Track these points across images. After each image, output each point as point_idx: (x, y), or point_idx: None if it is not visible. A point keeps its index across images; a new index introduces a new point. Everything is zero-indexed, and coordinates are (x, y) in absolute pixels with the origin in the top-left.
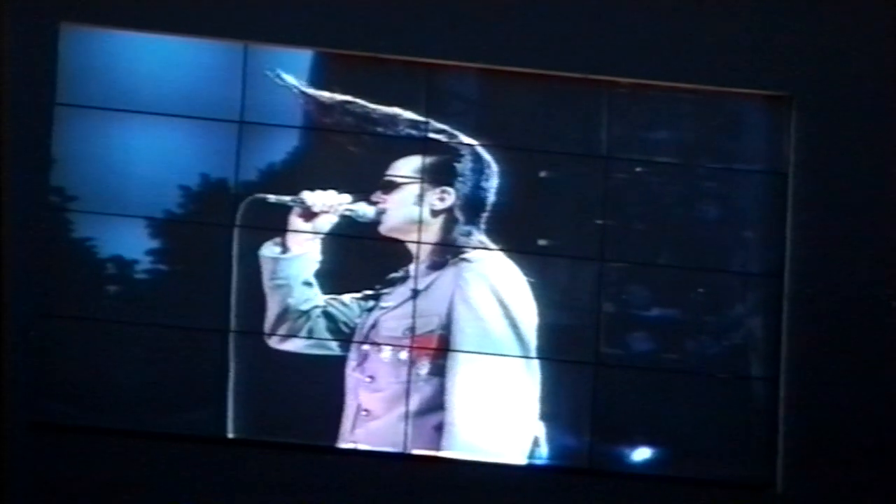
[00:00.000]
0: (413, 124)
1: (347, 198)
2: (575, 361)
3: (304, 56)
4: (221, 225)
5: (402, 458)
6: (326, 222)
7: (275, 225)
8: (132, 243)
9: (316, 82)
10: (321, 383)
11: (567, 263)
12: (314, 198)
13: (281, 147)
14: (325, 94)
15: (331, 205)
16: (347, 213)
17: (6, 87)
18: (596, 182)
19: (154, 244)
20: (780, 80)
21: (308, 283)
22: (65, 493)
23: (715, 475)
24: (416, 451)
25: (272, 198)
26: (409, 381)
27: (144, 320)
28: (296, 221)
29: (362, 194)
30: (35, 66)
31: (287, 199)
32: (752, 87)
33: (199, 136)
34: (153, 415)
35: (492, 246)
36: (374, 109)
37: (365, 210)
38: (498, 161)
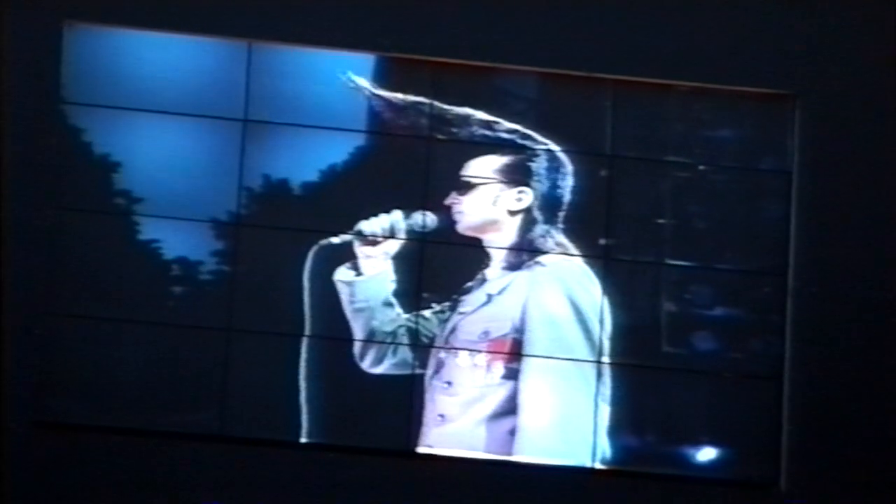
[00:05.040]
0: (485, 125)
1: (399, 215)
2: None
3: (366, 57)
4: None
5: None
6: (392, 245)
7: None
8: (144, 242)
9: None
10: (397, 390)
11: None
12: (371, 226)
13: (342, 151)
14: (399, 96)
15: (389, 227)
16: (410, 226)
17: (10, 86)
18: (598, 179)
19: (163, 245)
20: (784, 78)
21: (389, 304)
22: (69, 491)
23: (719, 474)
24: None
25: (336, 240)
26: (485, 386)
27: (152, 320)
28: (364, 250)
29: (430, 196)
30: (39, 64)
31: (349, 236)
32: (755, 86)
33: (203, 136)
34: (167, 414)
35: (569, 246)
36: (446, 110)
37: (424, 220)
38: (572, 162)
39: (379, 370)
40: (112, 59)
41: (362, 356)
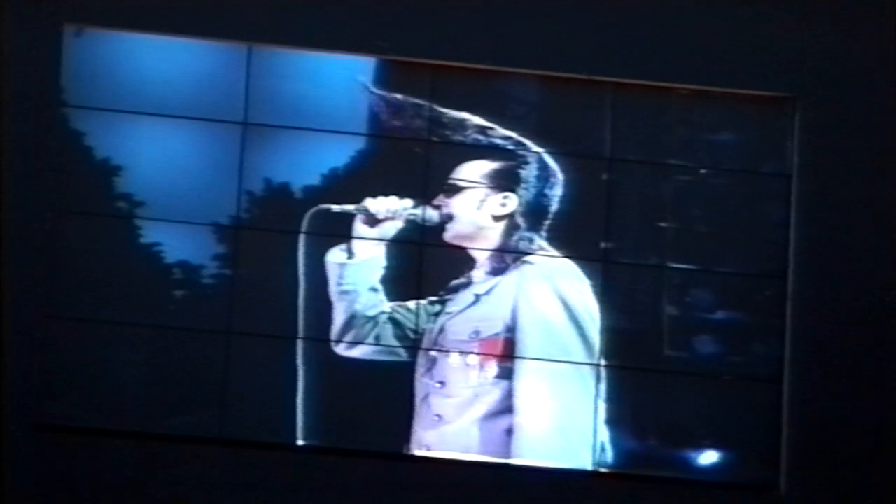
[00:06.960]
0: (480, 129)
1: (410, 202)
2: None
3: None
4: (287, 231)
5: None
6: (391, 228)
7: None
8: (144, 245)
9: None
10: (389, 389)
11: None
12: (377, 204)
13: (343, 152)
14: (398, 97)
15: (395, 210)
16: (412, 217)
17: (10, 89)
18: (598, 182)
19: (163, 248)
20: (784, 81)
21: (374, 289)
22: (69, 494)
23: (718, 477)
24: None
25: (336, 207)
26: (478, 386)
27: (150, 322)
28: (360, 228)
29: (427, 198)
30: (39, 67)
31: (351, 207)
32: (756, 89)
33: (203, 140)
34: (167, 418)
35: (553, 252)
36: (443, 113)
37: (431, 214)
38: (562, 168)
39: (354, 354)
40: (112, 63)
41: (339, 339)
